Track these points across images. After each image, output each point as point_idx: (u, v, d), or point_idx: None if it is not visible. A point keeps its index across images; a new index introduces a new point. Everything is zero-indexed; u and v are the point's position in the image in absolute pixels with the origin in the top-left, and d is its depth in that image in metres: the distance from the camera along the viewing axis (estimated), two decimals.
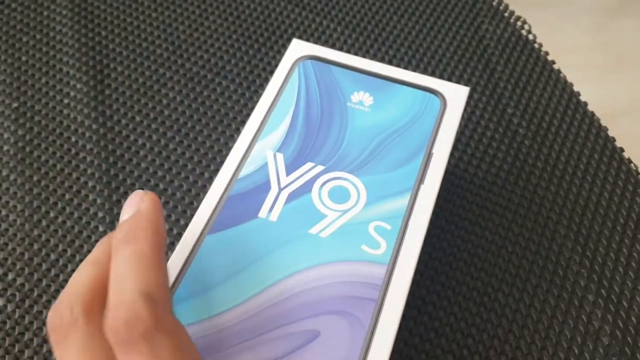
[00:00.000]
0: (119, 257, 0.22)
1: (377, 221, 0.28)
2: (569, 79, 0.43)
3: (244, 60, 0.42)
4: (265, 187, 0.29)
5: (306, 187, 0.29)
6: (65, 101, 0.40)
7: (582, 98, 0.42)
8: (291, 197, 0.28)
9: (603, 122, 0.41)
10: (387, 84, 0.33)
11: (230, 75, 0.41)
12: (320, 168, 0.29)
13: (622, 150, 0.39)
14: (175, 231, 0.35)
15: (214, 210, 0.28)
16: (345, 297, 0.26)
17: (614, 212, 0.36)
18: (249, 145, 0.30)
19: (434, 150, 0.30)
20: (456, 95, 0.32)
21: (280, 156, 0.30)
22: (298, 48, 0.34)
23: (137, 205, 0.24)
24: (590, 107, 0.41)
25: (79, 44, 0.42)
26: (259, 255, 0.27)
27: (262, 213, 0.28)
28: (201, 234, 0.27)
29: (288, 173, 0.29)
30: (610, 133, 0.40)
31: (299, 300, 0.26)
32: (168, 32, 0.43)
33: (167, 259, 0.30)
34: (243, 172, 0.29)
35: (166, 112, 0.39)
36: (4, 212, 0.35)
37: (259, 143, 0.30)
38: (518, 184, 0.37)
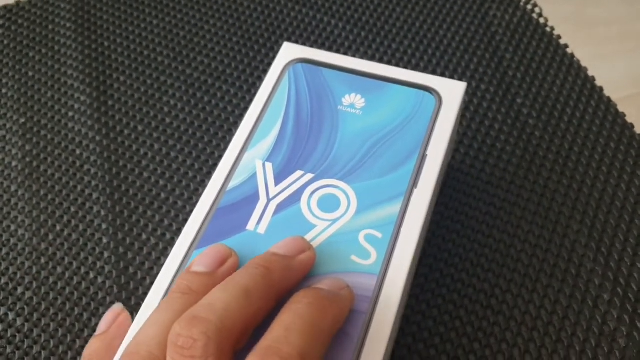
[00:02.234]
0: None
1: (368, 229, 0.27)
2: (584, 63, 0.41)
3: (245, 62, 0.42)
4: (254, 198, 0.28)
5: (295, 197, 0.28)
6: (70, 114, 0.40)
7: (598, 83, 0.40)
8: (280, 207, 0.28)
9: (620, 108, 0.38)
10: (379, 84, 0.32)
11: (231, 79, 0.41)
12: (309, 176, 0.29)
13: None
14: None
15: (201, 225, 0.27)
16: None
17: (632, 205, 0.34)
18: (238, 155, 0.29)
19: (428, 152, 0.29)
20: (452, 91, 0.31)
21: (269, 165, 0.29)
22: (289, 51, 0.33)
23: None
24: (606, 92, 0.39)
25: (82, 56, 0.42)
26: None
27: (251, 225, 0.27)
28: (189, 249, 0.27)
29: (277, 183, 0.29)
30: (629, 119, 0.38)
31: None
32: (169, 38, 0.43)
33: (156, 276, 0.30)
34: (232, 184, 0.28)
35: (167, 120, 0.39)
36: (13, 227, 0.36)
37: (248, 152, 0.29)
38: (528, 178, 0.36)
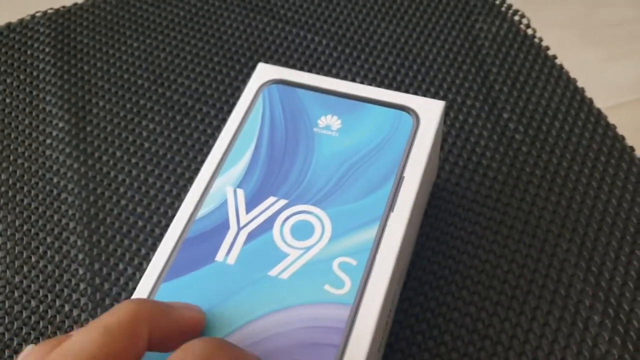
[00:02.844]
0: None
1: (342, 257, 0.26)
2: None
3: (225, 83, 0.41)
4: (224, 227, 0.27)
5: (267, 225, 0.27)
6: (48, 141, 0.39)
7: (588, 94, 0.38)
8: (251, 236, 0.27)
9: (610, 118, 0.37)
10: (356, 105, 0.31)
11: (211, 101, 0.40)
12: (282, 202, 0.28)
13: (632, 149, 0.36)
14: None
15: (169, 256, 0.26)
16: (305, 345, 0.24)
17: (623, 221, 0.33)
18: (208, 182, 0.28)
19: (405, 174, 0.28)
20: (430, 110, 0.30)
21: (240, 192, 0.28)
22: (263, 72, 0.32)
23: None
24: (597, 104, 0.38)
25: (61, 81, 0.42)
26: (215, 302, 0.25)
27: (220, 256, 0.26)
28: (156, 282, 0.26)
29: (248, 210, 0.28)
30: (620, 131, 0.37)
31: (257, 351, 0.24)
32: (149, 60, 0.43)
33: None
34: (201, 212, 0.28)
35: (146, 145, 0.38)
36: None
37: (219, 179, 0.28)
38: (514, 195, 0.34)
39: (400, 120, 0.30)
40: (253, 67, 0.42)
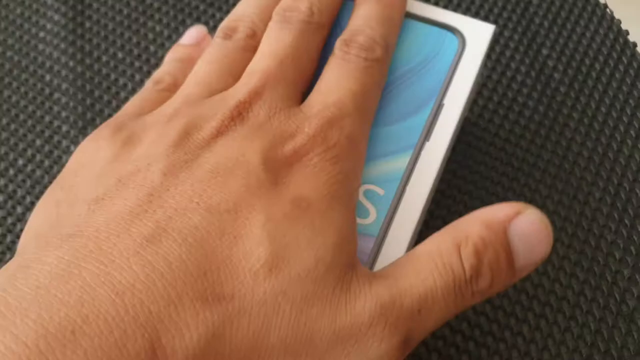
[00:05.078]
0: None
1: (369, 184, 0.24)
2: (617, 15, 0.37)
3: None
4: None
5: None
6: (41, 34, 0.36)
7: (631, 37, 0.36)
8: None
9: None
10: None
11: (226, 7, 0.37)
12: None
13: None
14: None
15: None
16: None
17: None
18: None
19: (446, 101, 0.25)
20: (478, 34, 0.27)
21: None
22: None
23: None
24: None
25: None
26: None
27: None
28: None
29: None
30: None
31: None
32: None
33: None
34: None
35: (152, 48, 0.35)
36: None
37: None
38: (550, 137, 0.32)
39: (444, 41, 0.27)
40: None
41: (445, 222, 0.30)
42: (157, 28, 0.36)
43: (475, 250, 0.20)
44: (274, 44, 0.23)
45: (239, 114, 0.21)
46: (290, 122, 0.22)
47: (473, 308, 0.28)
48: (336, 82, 0.23)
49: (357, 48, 0.23)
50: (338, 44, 0.24)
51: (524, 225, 0.20)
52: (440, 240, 0.21)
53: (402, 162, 0.24)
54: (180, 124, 0.21)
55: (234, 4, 0.37)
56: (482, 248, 0.20)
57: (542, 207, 0.30)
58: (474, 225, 0.20)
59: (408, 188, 0.24)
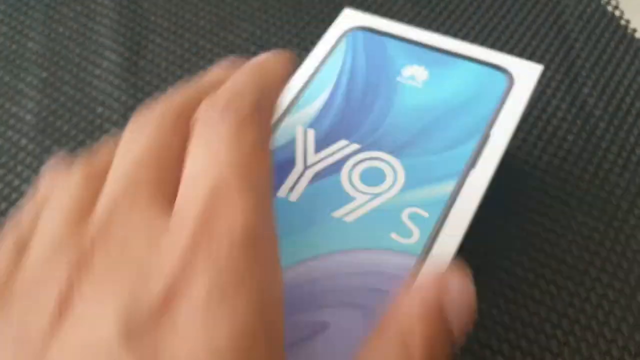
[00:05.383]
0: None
1: (413, 207, 0.30)
2: None
3: (292, 32, 0.48)
4: (289, 164, 0.31)
5: (335, 167, 0.31)
6: (97, 72, 0.47)
7: None
8: (317, 176, 0.31)
9: None
10: (446, 59, 0.35)
11: (274, 48, 0.47)
12: (355, 147, 0.32)
13: None
14: None
15: None
16: (363, 289, 0.27)
17: None
18: (278, 120, 0.33)
19: (492, 132, 0.32)
20: (526, 73, 0.34)
21: (310, 132, 0.32)
22: (349, 18, 0.37)
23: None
24: None
25: (118, 16, 0.50)
26: None
27: (282, 192, 0.30)
28: None
29: (317, 151, 0.32)
30: None
31: (311, 290, 0.27)
32: (213, 3, 0.50)
33: None
34: None
35: None
36: (16, 182, 0.42)
37: (289, 118, 0.33)
38: (587, 169, 0.40)
39: (493, 80, 0.34)
40: (323, 20, 0.49)
41: (487, 246, 0.38)
42: (208, 67, 0.46)
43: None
44: None
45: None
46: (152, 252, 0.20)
47: (500, 322, 0.35)
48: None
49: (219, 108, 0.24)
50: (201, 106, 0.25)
51: (456, 302, 0.23)
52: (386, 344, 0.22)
53: (448, 187, 0.31)
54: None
55: (284, 47, 0.47)
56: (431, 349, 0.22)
57: (576, 232, 0.38)
58: (416, 324, 0.22)
59: (453, 210, 0.30)
